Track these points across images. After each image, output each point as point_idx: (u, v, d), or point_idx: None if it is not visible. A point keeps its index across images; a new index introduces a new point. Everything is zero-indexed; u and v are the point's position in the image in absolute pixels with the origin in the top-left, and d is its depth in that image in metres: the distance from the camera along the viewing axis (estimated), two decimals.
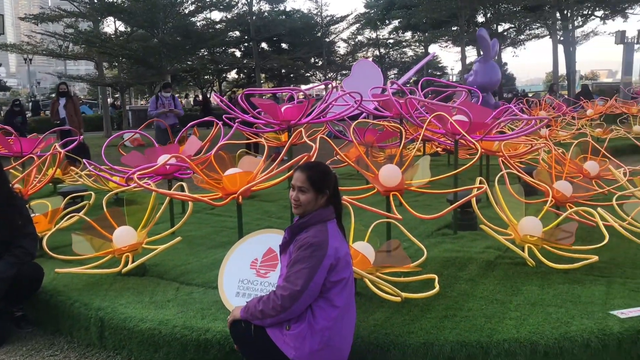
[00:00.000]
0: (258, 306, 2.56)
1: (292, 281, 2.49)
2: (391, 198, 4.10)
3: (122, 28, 27.87)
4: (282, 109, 5.15)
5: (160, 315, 3.37)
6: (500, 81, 12.37)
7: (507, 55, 58.95)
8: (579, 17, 34.23)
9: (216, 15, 42.06)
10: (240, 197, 3.83)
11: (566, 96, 22.26)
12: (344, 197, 3.94)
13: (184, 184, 4.49)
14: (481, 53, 11.69)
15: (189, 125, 6.17)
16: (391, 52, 48.17)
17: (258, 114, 5.85)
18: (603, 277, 3.79)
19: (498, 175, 4.62)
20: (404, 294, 3.22)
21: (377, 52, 46.94)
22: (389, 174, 4.13)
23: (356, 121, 4.70)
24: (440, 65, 52.87)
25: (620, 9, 35.12)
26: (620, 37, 23.28)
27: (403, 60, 49.36)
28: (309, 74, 44.58)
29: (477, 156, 4.18)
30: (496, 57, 14.50)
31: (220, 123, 5.60)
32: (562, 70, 35.36)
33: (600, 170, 6.15)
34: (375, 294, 3.34)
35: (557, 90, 19.53)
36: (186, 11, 26.19)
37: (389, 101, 5.48)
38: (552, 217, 4.56)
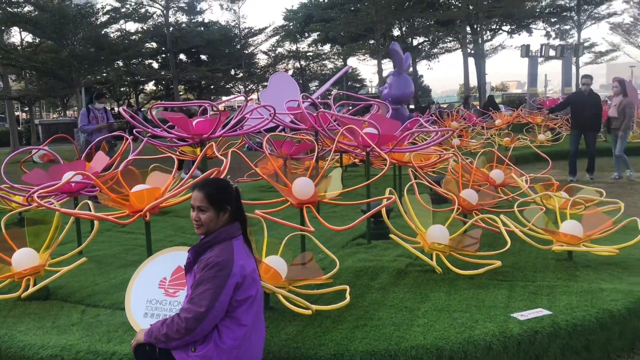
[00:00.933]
0: (162, 329, 2.49)
1: (196, 303, 2.44)
2: (304, 210, 4.12)
3: (29, 38, 26.64)
4: (194, 123, 5.07)
5: (63, 340, 3.21)
6: (413, 94, 12.76)
7: (422, 67, 61.09)
8: (488, 32, 36.07)
9: (131, 26, 40.89)
10: (147, 214, 3.72)
11: (478, 107, 23.28)
12: (257, 211, 3.92)
13: (90, 202, 4.32)
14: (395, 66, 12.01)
15: (96, 140, 5.95)
16: (311, 65, 48.69)
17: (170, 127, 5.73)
18: (506, 281, 3.97)
19: (407, 186, 4.75)
20: (315, 307, 3.24)
21: (297, 64, 47.33)
22: (302, 187, 4.16)
23: (270, 134, 4.69)
24: (359, 77, 53.92)
25: (524, 24, 37.36)
26: (525, 50, 24.62)
27: (323, 72, 50.00)
28: (229, 86, 44.26)
29: (386, 167, 4.28)
30: (410, 70, 14.95)
31: (130, 138, 5.44)
32: (474, 81, 37.01)
33: (505, 178, 6.46)
34: (287, 308, 3.34)
35: (471, 102, 20.40)
36: (98, 22, 25.32)
37: (303, 114, 5.52)
38: (460, 225, 4.74)
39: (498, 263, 4.05)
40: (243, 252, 2.63)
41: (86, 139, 9.22)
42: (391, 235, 4.09)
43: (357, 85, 52.98)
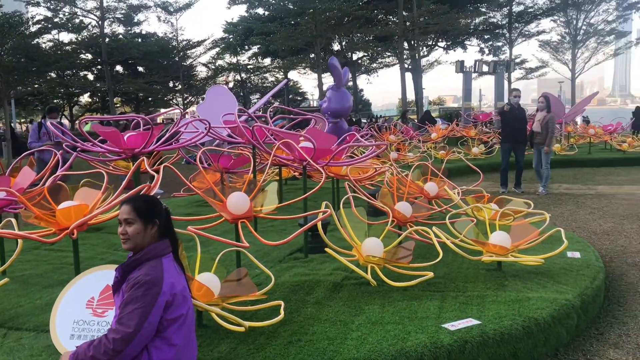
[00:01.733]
0: (88, 352, 2.39)
1: (124, 323, 2.37)
2: (239, 226, 4.08)
3: None
4: (125, 137, 4.95)
5: None
6: (352, 107, 12.91)
7: (362, 82, 62.17)
8: (424, 47, 37.08)
9: (65, 37, 39.71)
10: (74, 231, 3.60)
11: (415, 121, 23.82)
12: (189, 227, 3.86)
13: (13, 220, 4.13)
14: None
15: (24, 154, 5.71)
16: (252, 77, 48.58)
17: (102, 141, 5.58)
18: (438, 292, 4.06)
19: (343, 199, 4.79)
20: (248, 323, 3.20)
21: (238, 77, 47.13)
22: (236, 202, 4.12)
23: (204, 147, 4.62)
24: (300, 90, 54.21)
25: (459, 40, 38.68)
26: (460, 66, 25.42)
27: (264, 85, 50.00)
28: (167, 98, 43.56)
29: (322, 181, 4.31)
30: (349, 84, 15.14)
31: (59, 153, 5.25)
32: (412, 95, 37.91)
33: (438, 190, 6.62)
34: (220, 325, 3.29)
35: (408, 117, 20.87)
36: (27, 32, 24.43)
37: (239, 128, 5.49)
38: (395, 237, 4.82)
39: (430, 274, 4.14)
40: (173, 270, 2.57)
41: (39, 157, 8.44)
42: (326, 249, 4.11)
43: (299, 99, 53.28)
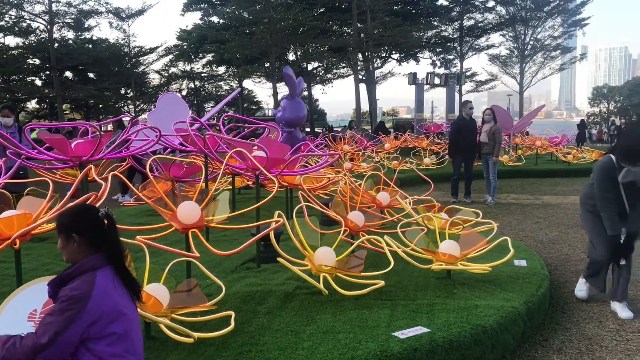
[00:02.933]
0: (1, 352, 2.33)
1: (39, 333, 2.31)
2: (190, 235, 4.02)
3: None
4: (73, 145, 4.82)
5: None
6: (306, 117, 12.97)
7: (317, 92, 62.47)
8: (378, 59, 37.61)
9: (11, 41, 38.50)
10: (17, 241, 3.47)
11: (369, 131, 24.07)
12: (138, 237, 3.79)
13: None
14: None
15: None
16: (206, 85, 48.22)
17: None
18: (389, 301, 4.09)
19: (296, 208, 4.79)
20: (197, 334, 3.15)
21: (192, 85, 46.68)
22: (187, 211, 4.07)
23: (155, 156, 4.53)
24: (255, 99, 54.07)
25: (412, 52, 39.42)
26: (412, 78, 25.92)
27: (219, 93, 49.70)
28: (119, 105, 42.70)
29: (274, 190, 4.30)
30: (304, 94, 15.20)
31: (2, 160, 5.07)
32: (366, 106, 38.38)
33: (390, 200, 6.70)
34: (169, 337, 3.23)
35: (355, 126, 21.08)
36: None
37: (191, 136, 5.43)
38: (348, 246, 4.84)
39: (381, 283, 4.18)
40: (108, 286, 2.44)
41: None
42: (278, 259, 4.09)
43: (254, 108, 53.11)
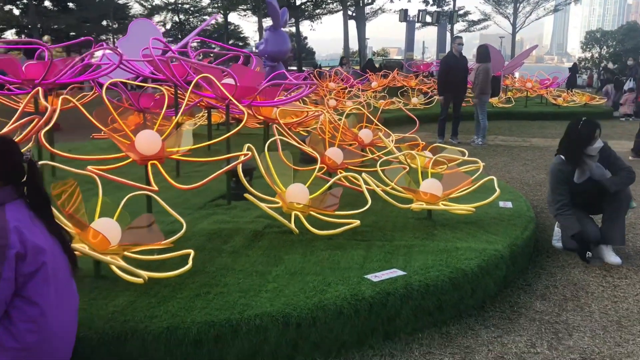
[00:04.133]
0: None
1: None
2: (149, 168, 3.68)
3: None
4: (24, 67, 4.38)
5: None
6: (290, 50, 12.43)
7: (305, 28, 60.67)
8: None
9: None
10: None
11: (357, 69, 23.47)
12: (89, 167, 3.44)
13: None
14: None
15: None
16: (191, 19, 46.69)
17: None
18: (364, 242, 3.82)
19: (268, 142, 4.44)
20: (147, 274, 2.87)
21: (176, 18, 45.21)
22: (146, 141, 3.71)
23: (110, 81, 4.07)
24: (242, 35, 52.57)
25: None
26: (403, 15, 25.06)
27: (204, 28, 48.25)
28: (103, 38, 41.26)
29: (243, 121, 3.94)
30: (289, 29, 14.51)
31: None
32: (356, 45, 37.46)
33: (373, 138, 6.36)
34: (120, 277, 2.94)
35: (347, 63, 20.43)
36: None
37: (155, 63, 4.98)
38: (323, 184, 4.54)
39: (357, 222, 3.90)
40: (21, 217, 2.12)
41: None
42: (245, 195, 3.78)
43: (240, 44, 51.66)
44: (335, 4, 38.46)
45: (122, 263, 2.76)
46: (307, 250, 3.62)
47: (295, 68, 35.90)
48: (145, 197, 3.94)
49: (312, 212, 3.98)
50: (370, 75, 17.12)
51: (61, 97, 3.57)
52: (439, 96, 11.12)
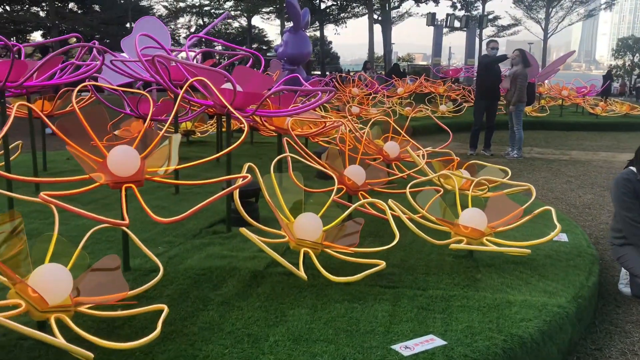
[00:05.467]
0: None
1: None
2: (123, 193, 2.95)
3: None
4: None
5: None
6: (311, 53, 11.71)
7: (330, 32, 59.30)
8: None
9: None
10: None
11: (382, 74, 22.67)
12: (42, 194, 2.71)
13: None
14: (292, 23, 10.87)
15: None
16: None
17: None
18: (390, 289, 3.04)
19: (275, 160, 3.69)
20: (104, 343, 2.12)
21: (200, 22, 45.01)
22: (120, 159, 2.98)
23: (78, 86, 3.33)
24: (266, 39, 52.19)
25: None
26: (431, 19, 24.23)
27: (227, 31, 48.04)
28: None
29: (244, 134, 3.18)
30: (309, 29, 13.80)
31: None
32: (381, 50, 36.63)
33: (400, 151, 5.58)
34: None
35: (372, 68, 19.63)
36: None
37: (143, 62, 4.20)
38: (342, 210, 3.79)
39: (381, 265, 3.12)
40: None
41: None
42: (242, 230, 3.01)
43: (264, 48, 51.26)
44: (360, 8, 37.68)
45: (59, 341, 2.01)
46: (318, 301, 2.85)
47: (319, 72, 35.24)
48: (120, 230, 3.22)
49: (326, 249, 3.22)
50: (395, 80, 16.31)
51: (17, 104, 2.86)
52: (474, 103, 10.33)
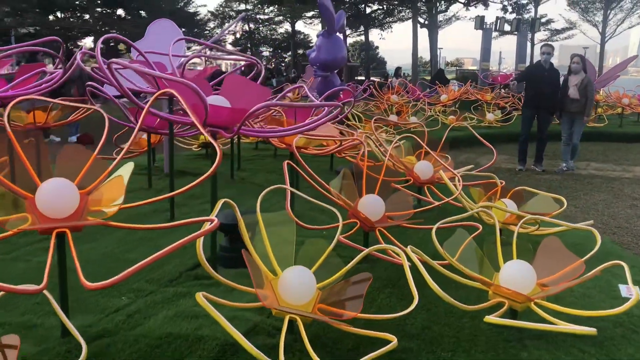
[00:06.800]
0: None
1: None
2: (53, 239, 2.26)
3: None
4: None
5: None
6: (345, 59, 10.93)
7: (375, 37, 57.76)
8: (443, 1, 34.33)
9: None
10: None
11: (424, 80, 21.70)
12: None
13: None
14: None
15: None
16: (261, 28, 46.35)
17: None
18: None
19: (263, 194, 2.94)
20: None
21: (246, 27, 44.95)
22: (53, 196, 2.31)
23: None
24: (311, 44, 51.71)
25: None
26: (480, 22, 23.03)
27: (273, 37, 47.84)
28: None
29: (217, 158, 2.44)
30: (343, 32, 13.03)
31: None
32: (426, 55, 35.54)
33: (435, 173, 4.76)
34: None
35: (403, 74, 18.70)
36: None
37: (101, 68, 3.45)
38: (350, 255, 3.03)
39: (393, 343, 2.32)
40: None
41: None
42: (198, 298, 2.26)
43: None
44: (407, 12, 36.69)
45: None
46: None
47: (362, 78, 34.41)
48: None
49: (319, 317, 2.45)
50: (439, 87, 15.36)
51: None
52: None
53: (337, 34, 10.38)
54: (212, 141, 2.46)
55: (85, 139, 11.19)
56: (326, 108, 3.28)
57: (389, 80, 15.57)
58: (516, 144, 9.44)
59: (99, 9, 36.73)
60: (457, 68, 58.84)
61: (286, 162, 3.50)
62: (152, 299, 2.98)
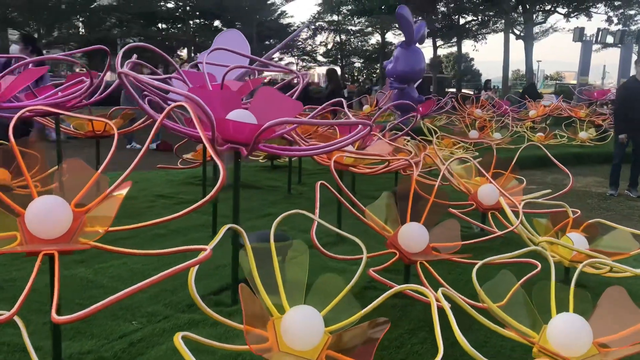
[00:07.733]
0: None
1: None
2: (39, 260, 2.10)
3: None
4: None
5: None
6: (424, 70, 10.51)
7: (468, 48, 55.66)
8: (540, 13, 32.74)
9: None
10: None
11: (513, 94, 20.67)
12: None
13: None
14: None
15: None
16: (352, 39, 46.35)
17: None
18: None
19: (278, 219, 2.66)
20: None
21: (337, 39, 45.14)
22: (43, 215, 2.16)
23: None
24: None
25: (584, 6, 33.80)
26: (579, 34, 21.73)
27: (364, 48, 47.69)
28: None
29: (220, 180, 2.20)
30: (423, 42, 12.53)
31: None
32: (521, 67, 34.01)
33: (501, 197, 4.30)
34: None
35: (492, 87, 17.81)
36: None
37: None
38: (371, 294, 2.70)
39: None
40: None
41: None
42: (175, 340, 2.01)
43: None
44: (501, 23, 35.35)
45: None
46: None
47: (454, 90, 33.51)
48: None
49: None
50: (528, 102, 14.48)
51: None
52: (615, 133, 8.48)
53: (417, 44, 10.01)
54: (216, 159, 2.22)
55: (165, 146, 11.46)
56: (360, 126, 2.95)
57: (477, 93, 14.87)
58: (610, 164, 8.61)
59: (197, 20, 38.33)
60: (557, 82, 56.08)
61: (319, 182, 3.22)
62: (163, 326, 2.78)
